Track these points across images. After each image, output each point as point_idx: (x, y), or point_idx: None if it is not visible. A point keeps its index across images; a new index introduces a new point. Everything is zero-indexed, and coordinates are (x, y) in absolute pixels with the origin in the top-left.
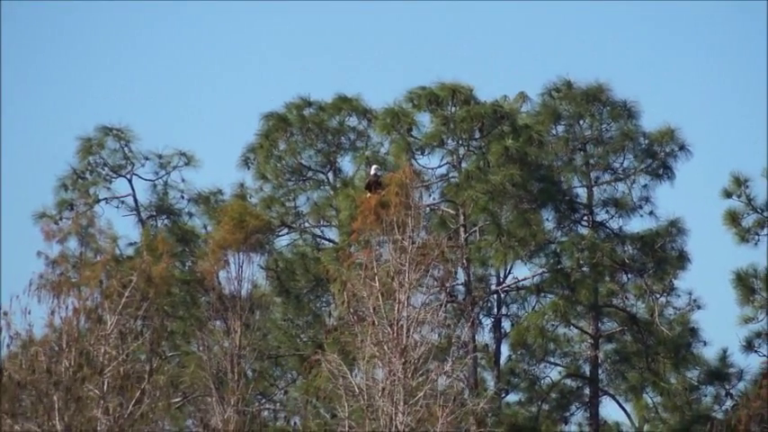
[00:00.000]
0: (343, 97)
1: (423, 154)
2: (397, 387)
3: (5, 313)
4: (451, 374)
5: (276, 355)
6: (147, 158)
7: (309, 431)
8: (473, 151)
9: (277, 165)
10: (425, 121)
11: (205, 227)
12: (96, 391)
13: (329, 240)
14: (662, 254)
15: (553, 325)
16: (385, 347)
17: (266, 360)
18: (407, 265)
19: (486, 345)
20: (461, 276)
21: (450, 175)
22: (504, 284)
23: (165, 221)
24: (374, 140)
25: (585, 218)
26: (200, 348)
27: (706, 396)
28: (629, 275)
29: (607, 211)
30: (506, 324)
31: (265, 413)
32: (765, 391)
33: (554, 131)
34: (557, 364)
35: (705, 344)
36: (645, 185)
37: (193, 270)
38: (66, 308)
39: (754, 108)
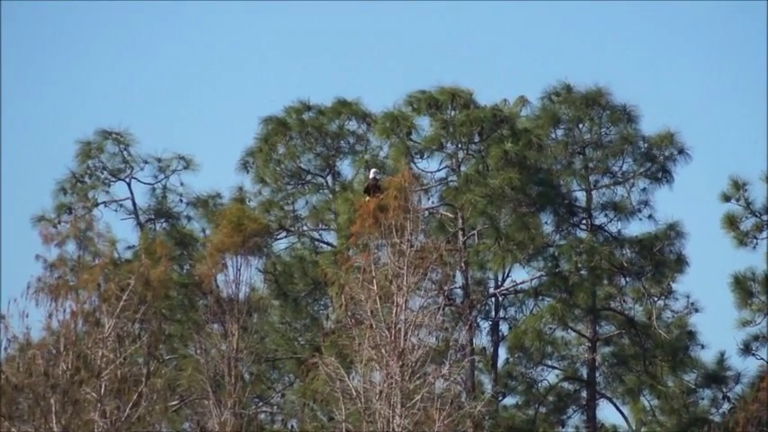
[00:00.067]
0: (343, 101)
1: (422, 158)
2: (395, 390)
3: (3, 316)
4: (449, 377)
5: (273, 358)
6: (146, 162)
7: None
8: (472, 155)
9: (276, 168)
10: (425, 124)
11: (203, 230)
12: (93, 395)
13: (328, 244)
14: (660, 257)
15: (551, 328)
16: (382, 350)
17: (264, 363)
18: (406, 268)
19: (484, 348)
20: (459, 280)
21: (449, 179)
22: (502, 288)
23: (164, 225)
24: (373, 144)
25: (584, 221)
26: (198, 351)
27: (703, 399)
28: (628, 279)
29: (606, 215)
30: (504, 327)
31: (262, 416)
32: (763, 394)
33: (553, 135)
34: (554, 368)
35: (703, 347)
36: (644, 189)
37: (191, 273)
38: (64, 311)
39: (754, 111)
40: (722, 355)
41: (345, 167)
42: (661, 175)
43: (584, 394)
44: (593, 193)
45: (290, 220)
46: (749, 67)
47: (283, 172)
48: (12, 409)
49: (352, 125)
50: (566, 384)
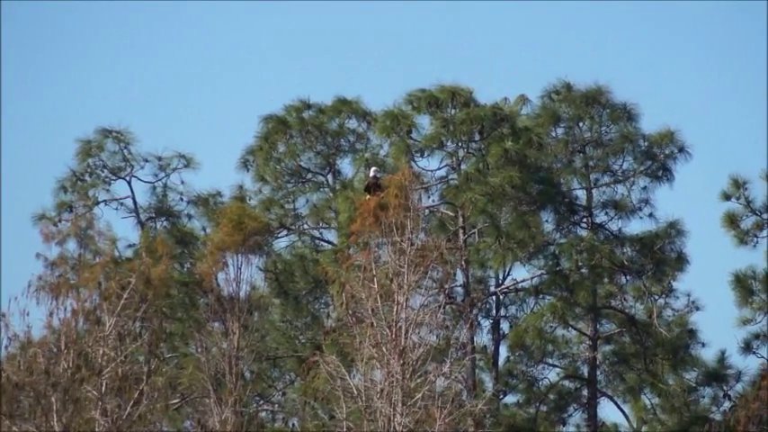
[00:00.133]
0: (343, 99)
1: (422, 156)
2: (396, 388)
3: (4, 315)
4: (450, 376)
5: (274, 356)
6: (146, 160)
7: None
8: (473, 153)
9: (276, 167)
10: (425, 123)
11: (204, 229)
12: (94, 393)
13: (328, 242)
14: (661, 255)
15: (551, 326)
16: (383, 349)
17: (264, 361)
18: (406, 266)
19: (485, 346)
20: (460, 278)
21: (450, 177)
22: (502, 286)
23: (164, 223)
24: (374, 143)
25: (585, 220)
26: (199, 350)
27: (704, 397)
28: (628, 277)
29: (606, 213)
30: (505, 325)
31: (263, 415)
32: (764, 393)
33: (554, 134)
34: (555, 366)
35: (703, 345)
36: (644, 187)
37: (192, 272)
38: (65, 309)
39: (754, 110)
40: (723, 353)
41: (346, 166)
42: (661, 173)
43: (584, 392)
44: (594, 191)
45: (290, 218)
46: (749, 66)
47: (284, 170)
48: (13, 407)
49: (352, 123)
50: (566, 383)
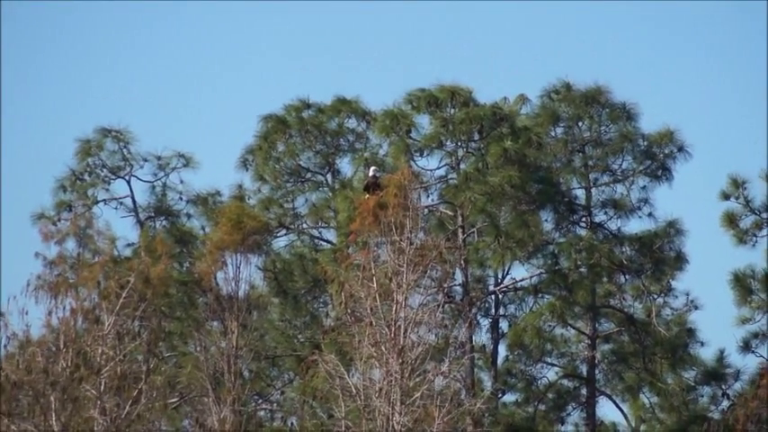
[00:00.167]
0: (342, 99)
1: (421, 155)
2: (394, 387)
3: (3, 314)
4: (448, 375)
5: (273, 355)
6: (145, 160)
7: (306, 431)
8: (472, 153)
9: (275, 166)
10: (424, 122)
11: (203, 228)
12: (93, 392)
13: (327, 241)
14: (660, 255)
15: (550, 325)
16: (382, 348)
17: (263, 360)
18: (405, 265)
19: (484, 345)
20: (459, 277)
21: (449, 177)
22: (501, 285)
23: (164, 223)
24: (373, 142)
25: (584, 219)
26: (198, 349)
27: (703, 396)
28: (627, 276)
29: (605, 213)
30: (504, 324)
31: (262, 413)
32: (763, 392)
33: (553, 133)
34: (554, 365)
35: (702, 344)
36: (643, 187)
37: (191, 271)
38: (64, 308)
39: (753, 110)
40: (722, 352)
41: (345, 165)
42: (661, 172)
43: (583, 391)
44: (593, 190)
45: (289, 217)
46: (748, 66)
47: (283, 170)
48: (11, 406)
49: (351, 123)
50: (565, 382)
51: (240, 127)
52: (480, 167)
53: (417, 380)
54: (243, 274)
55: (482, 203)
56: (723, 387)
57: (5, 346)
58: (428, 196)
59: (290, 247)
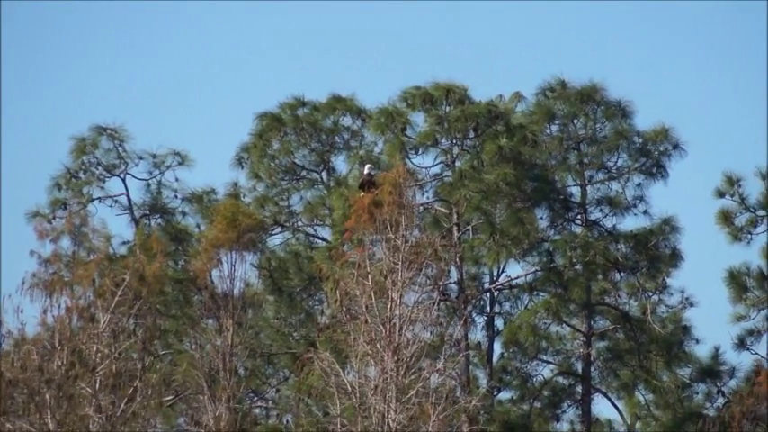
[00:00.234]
0: (338, 97)
1: (416, 153)
2: (390, 385)
3: None
4: (444, 372)
5: (268, 353)
6: (140, 158)
7: (301, 429)
8: (467, 150)
9: (270, 164)
10: (419, 120)
11: (198, 226)
12: (88, 390)
13: (322, 239)
14: (655, 252)
15: (546, 323)
16: (377, 345)
17: (258, 358)
18: (400, 263)
19: (479, 343)
20: (454, 275)
21: (444, 175)
22: (496, 283)
23: (159, 221)
24: (368, 140)
25: (579, 216)
26: (193, 347)
27: (698, 394)
28: (622, 274)
29: (601, 210)
30: (499, 322)
31: (257, 411)
32: (758, 389)
33: (548, 131)
34: (549, 362)
35: (697, 342)
36: (639, 184)
37: (186, 269)
38: (59, 306)
39: (748, 107)
40: (717, 349)
41: (340, 163)
42: (656, 170)
43: (579, 389)
44: (588, 188)
45: (284, 215)
46: (743, 63)
47: (278, 168)
48: (7, 404)
49: (346, 121)
50: (560, 379)
51: (235, 125)
52: (475, 165)
53: (413, 377)
54: (238, 272)
55: (477, 201)
56: (718, 384)
57: (1, 344)
58: (423, 194)
59: (286, 244)
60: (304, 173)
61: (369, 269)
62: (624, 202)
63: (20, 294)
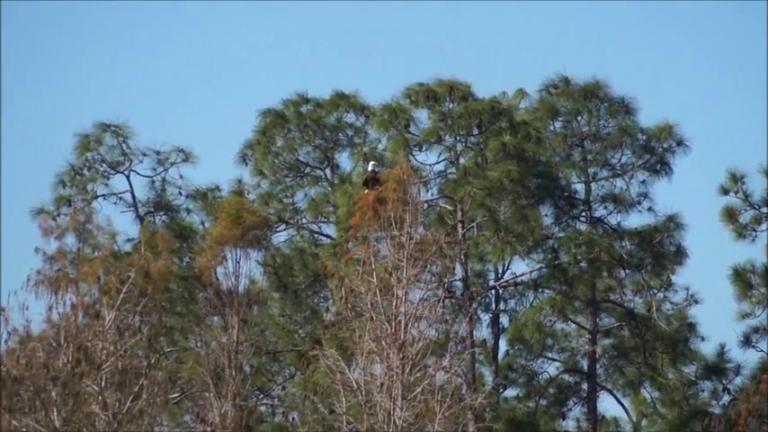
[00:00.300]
0: (341, 94)
1: (420, 150)
2: (395, 382)
3: (3, 309)
4: (449, 370)
5: (274, 350)
6: (144, 155)
7: (307, 427)
8: (471, 147)
9: (274, 161)
10: (423, 117)
11: (203, 223)
12: (94, 387)
13: (327, 236)
14: (660, 249)
15: (551, 320)
16: (383, 343)
17: (264, 355)
18: (405, 260)
19: (484, 340)
20: (459, 272)
21: (448, 172)
22: (501, 280)
23: (163, 218)
24: (372, 137)
25: (584, 213)
26: (198, 344)
27: (703, 391)
28: (627, 271)
29: (605, 207)
30: (504, 319)
31: (263, 408)
32: (764, 387)
33: (552, 127)
34: (554, 360)
35: (703, 339)
36: (643, 181)
37: (191, 266)
38: (64, 304)
39: (752, 104)
40: (722, 347)
41: (344, 160)
42: (660, 167)
43: (584, 386)
44: (593, 185)
45: (289, 212)
46: (748, 61)
47: (282, 164)
48: (12, 401)
49: (350, 118)
50: (566, 376)
51: (239, 122)
52: (479, 162)
53: (418, 375)
54: (243, 269)
55: (481, 198)
56: (724, 382)
57: (6, 341)
58: (427, 191)
59: (290, 241)
60: (308, 170)
61: (374, 266)
62: (628, 198)
63: (25, 291)
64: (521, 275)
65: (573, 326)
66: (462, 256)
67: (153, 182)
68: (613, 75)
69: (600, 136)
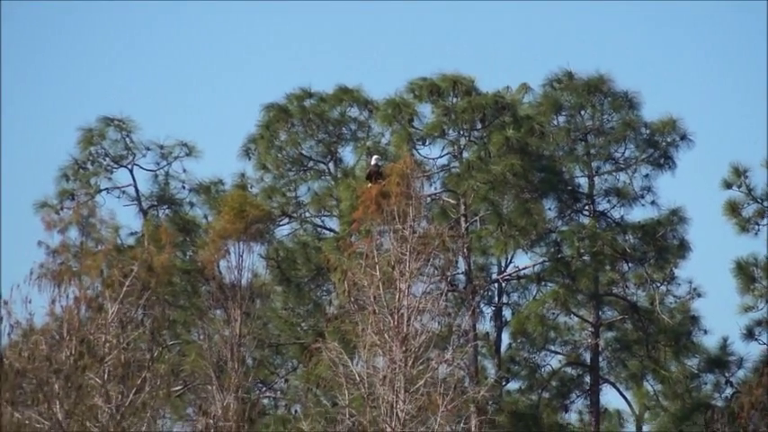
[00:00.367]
0: (345, 88)
1: (424, 144)
2: (398, 375)
3: (6, 302)
4: (452, 363)
5: (277, 343)
6: (148, 149)
7: (310, 419)
8: (474, 141)
9: (278, 155)
10: (427, 111)
11: (206, 217)
12: (97, 380)
13: (330, 230)
14: (663, 243)
15: (554, 313)
16: (386, 336)
17: (267, 348)
18: (408, 254)
19: (487, 333)
20: (462, 265)
21: (452, 166)
22: (504, 273)
23: (166, 211)
24: (375, 131)
25: (587, 207)
26: (201, 337)
27: (706, 384)
28: (630, 264)
29: (608, 201)
30: (507, 313)
31: (266, 401)
32: (766, 379)
33: (555, 122)
34: (557, 353)
35: (705, 332)
36: (646, 175)
37: (194, 260)
38: (67, 297)
39: (755, 98)
40: (725, 340)
41: (347, 154)
42: (663, 161)
43: (587, 379)
44: (596, 179)
45: (292, 206)
46: (751, 55)
47: (285, 158)
48: (15, 394)
49: (353, 112)
50: (569, 369)
51: (242, 116)
52: (483, 156)
53: (421, 368)
54: (246, 263)
55: (485, 192)
56: (726, 375)
57: (9, 334)
58: (431, 185)
59: (293, 235)
60: (311, 164)
61: (377, 260)
62: (632, 192)
63: (28, 285)
64: (524, 269)
65: (576, 319)
66: (465, 250)
67: (156, 176)
68: (617, 70)
69: (603, 130)
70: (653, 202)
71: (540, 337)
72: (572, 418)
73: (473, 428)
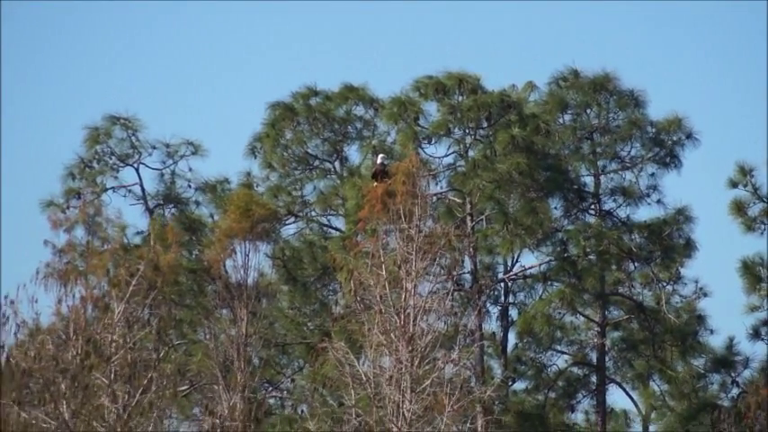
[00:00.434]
0: (350, 86)
1: (429, 143)
2: (404, 375)
3: (12, 302)
4: (458, 362)
5: (283, 343)
6: (154, 147)
7: (316, 419)
8: (480, 140)
9: (284, 154)
10: (432, 110)
11: (212, 216)
12: (103, 380)
13: (336, 229)
14: (669, 242)
15: (560, 313)
16: (392, 336)
17: (273, 348)
18: (414, 253)
19: (493, 333)
20: (468, 265)
21: (457, 164)
22: (510, 273)
23: (173, 210)
24: (381, 129)
25: (593, 206)
26: (207, 337)
27: (712, 384)
28: (636, 264)
29: (614, 200)
30: (513, 312)
31: (272, 401)
32: None
33: (561, 120)
34: (563, 352)
35: (712, 332)
36: (652, 174)
37: (200, 259)
38: (74, 296)
39: (761, 97)
40: (731, 339)
41: (353, 153)
42: (669, 159)
43: (593, 379)
44: (602, 178)
45: (298, 205)
46: (757, 52)
47: (291, 157)
48: (21, 394)
49: (359, 110)
50: (575, 369)
51: (248, 114)
52: (488, 155)
53: (427, 367)
54: (252, 262)
55: (490, 191)
56: (733, 375)
57: (15, 333)
58: (436, 184)
59: (299, 234)
60: (317, 162)
61: (383, 259)
62: (638, 191)
63: (34, 284)
64: (530, 268)
65: (582, 318)
66: (471, 249)
67: (162, 174)
68: (622, 69)
69: (609, 129)
70: (659, 201)
71: (546, 336)
72: (578, 418)
73: (479, 428)
